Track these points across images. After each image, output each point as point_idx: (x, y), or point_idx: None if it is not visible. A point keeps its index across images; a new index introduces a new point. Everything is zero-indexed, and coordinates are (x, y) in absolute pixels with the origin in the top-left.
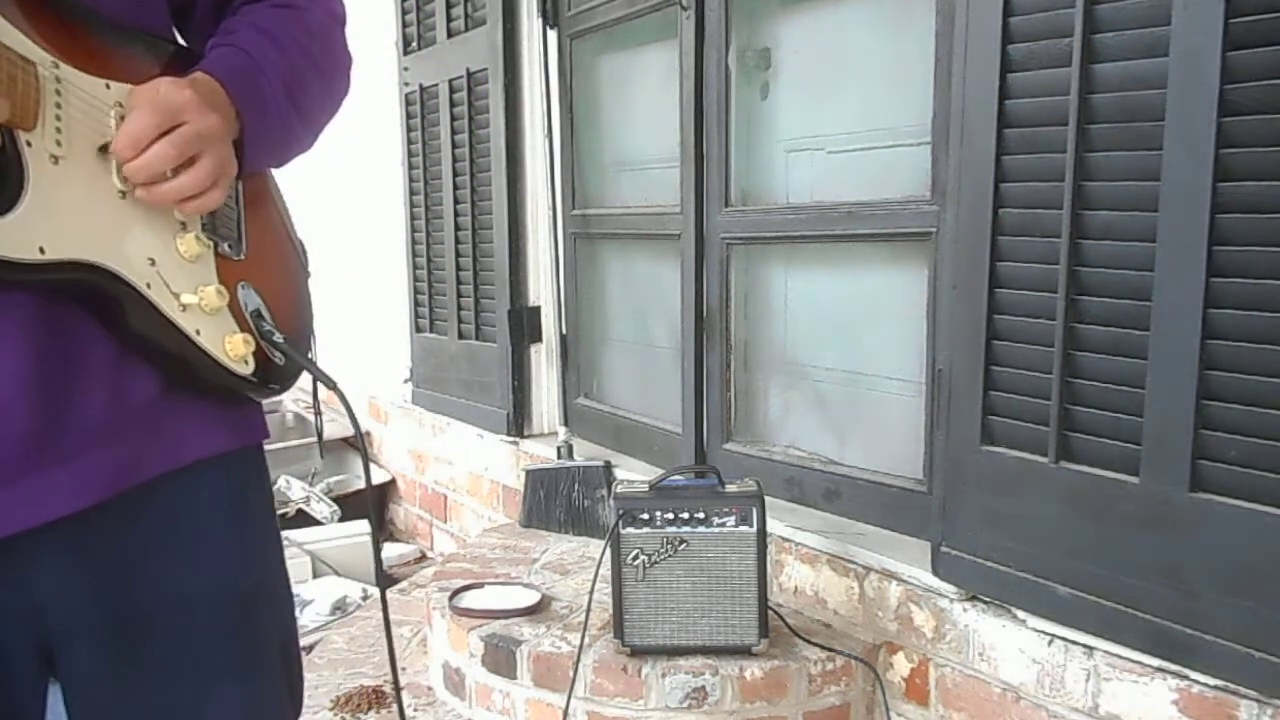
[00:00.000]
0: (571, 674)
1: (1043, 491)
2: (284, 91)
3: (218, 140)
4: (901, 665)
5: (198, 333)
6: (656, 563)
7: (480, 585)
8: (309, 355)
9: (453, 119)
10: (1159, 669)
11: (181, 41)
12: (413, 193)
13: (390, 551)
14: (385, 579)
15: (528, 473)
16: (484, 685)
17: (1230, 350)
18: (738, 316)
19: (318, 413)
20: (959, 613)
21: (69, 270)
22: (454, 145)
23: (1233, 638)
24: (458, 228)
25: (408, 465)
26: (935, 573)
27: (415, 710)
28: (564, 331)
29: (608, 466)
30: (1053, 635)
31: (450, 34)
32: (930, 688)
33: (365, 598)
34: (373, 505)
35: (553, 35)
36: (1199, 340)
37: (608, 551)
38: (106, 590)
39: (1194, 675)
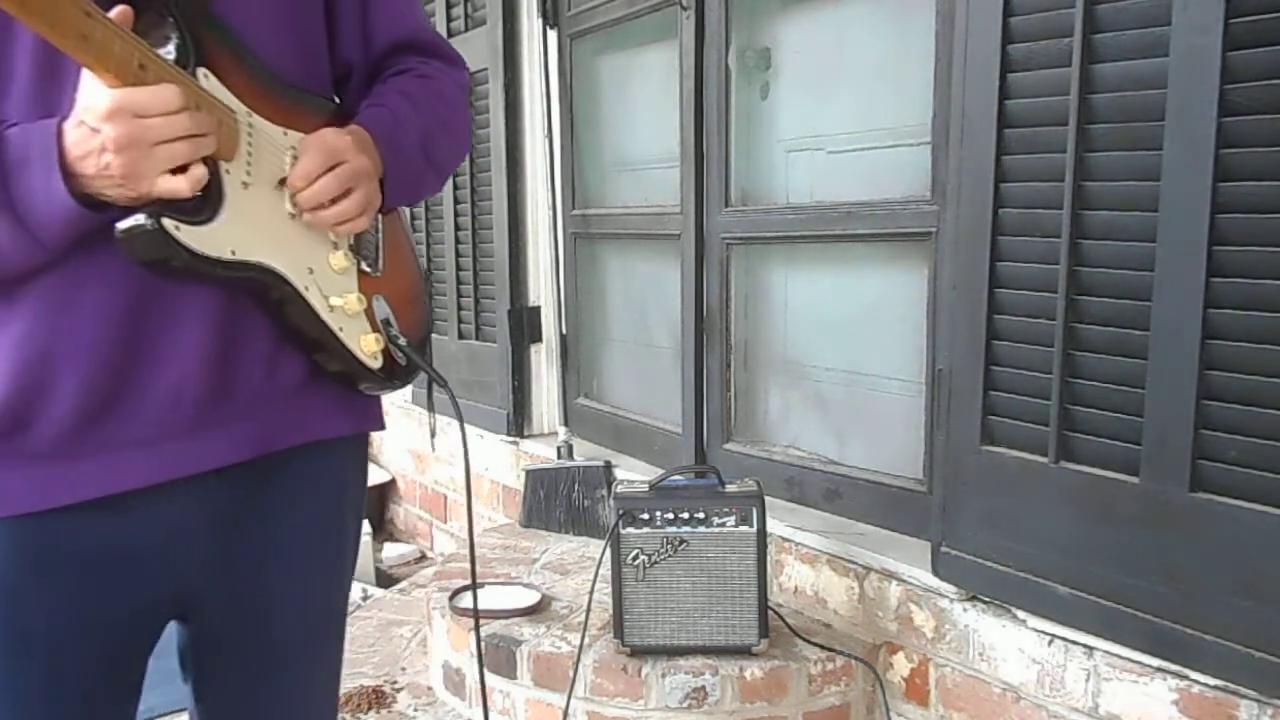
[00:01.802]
0: (571, 674)
1: (1043, 491)
2: (418, 143)
3: (368, 178)
4: (901, 665)
5: (340, 330)
6: (656, 563)
7: (480, 585)
8: (426, 359)
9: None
10: (1159, 669)
11: (338, 100)
12: None
13: (390, 552)
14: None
15: (528, 473)
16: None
17: (1230, 350)
18: (738, 316)
19: (432, 409)
20: (959, 613)
21: (250, 270)
22: None
23: (1233, 638)
24: (458, 228)
25: (408, 465)
26: (935, 573)
27: (415, 710)
28: (564, 331)
29: (608, 466)
30: (1053, 635)
31: (450, 34)
32: (930, 688)
33: (365, 598)
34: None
35: (553, 35)
36: (1199, 340)
37: (608, 551)
38: (234, 541)
39: (1194, 675)
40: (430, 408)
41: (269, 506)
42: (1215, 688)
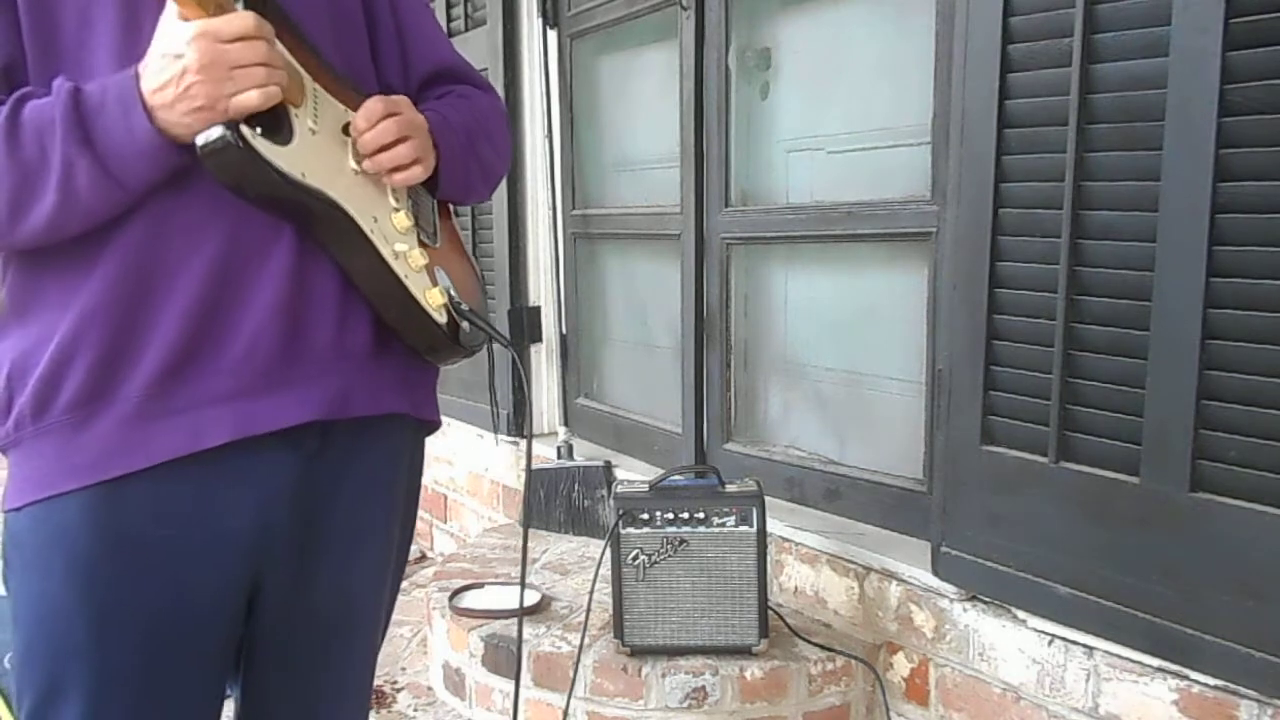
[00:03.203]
0: (571, 674)
1: (1043, 491)
2: (467, 140)
3: (423, 131)
4: (901, 665)
5: (405, 276)
6: (656, 563)
7: (480, 585)
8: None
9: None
10: (1159, 669)
11: None
12: None
13: None
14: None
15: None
16: (484, 685)
17: (1230, 350)
18: (738, 316)
19: (492, 388)
20: (959, 613)
21: (318, 199)
22: None
23: (1233, 638)
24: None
25: None
26: (935, 573)
27: (415, 710)
28: (564, 331)
29: (608, 466)
30: (1053, 635)
31: (450, 34)
32: (930, 688)
33: None
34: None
35: (553, 35)
36: (1199, 340)
37: (608, 551)
38: (304, 502)
39: (1194, 675)
40: (491, 386)
41: (333, 488)
42: (1215, 688)
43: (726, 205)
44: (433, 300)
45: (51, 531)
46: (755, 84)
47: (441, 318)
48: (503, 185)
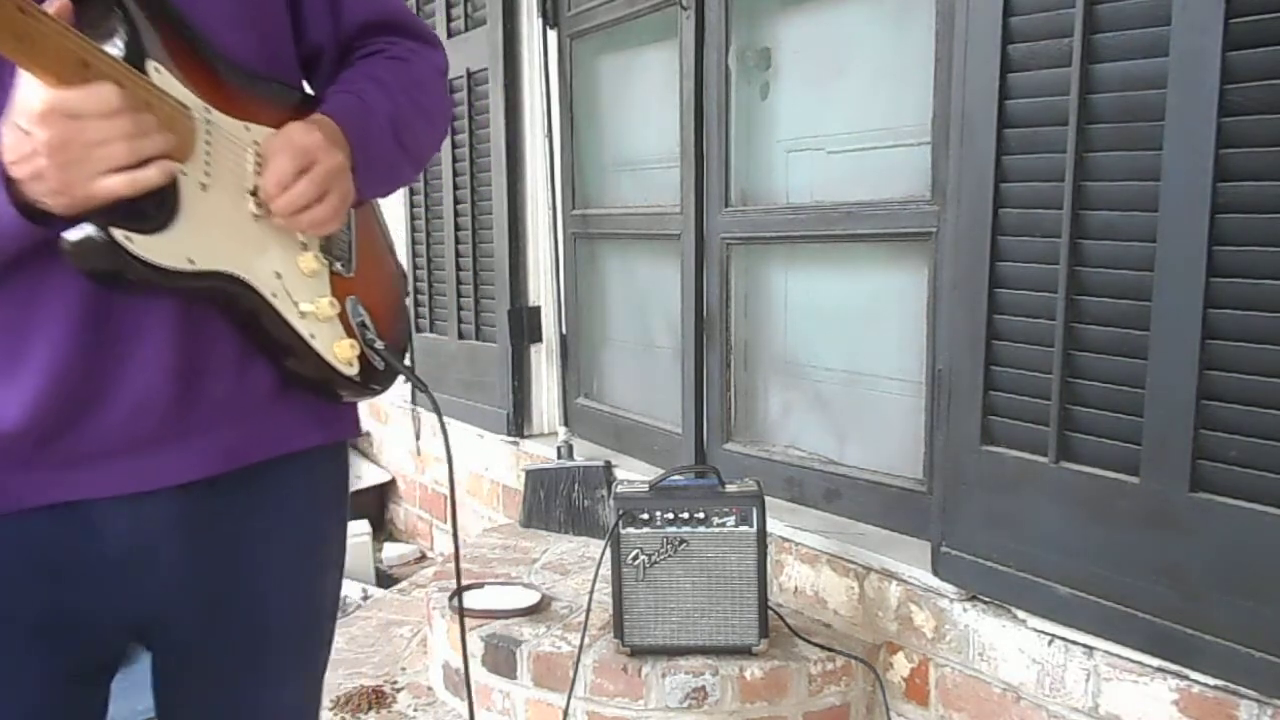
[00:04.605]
0: (571, 674)
1: (1043, 491)
2: (390, 130)
3: (342, 176)
4: (901, 665)
5: (312, 336)
6: (656, 563)
7: (480, 585)
8: (405, 361)
9: (453, 119)
10: (1159, 669)
11: (309, 88)
12: (413, 192)
13: (390, 552)
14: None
15: (528, 473)
16: (484, 685)
17: (1230, 350)
18: (738, 316)
19: (415, 412)
20: (959, 613)
21: (211, 279)
22: (454, 145)
23: (1233, 638)
24: (458, 228)
25: (408, 465)
26: (935, 573)
27: (415, 710)
28: (564, 331)
29: (608, 466)
30: (1053, 635)
31: (450, 34)
32: (930, 688)
33: (365, 598)
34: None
35: (553, 35)
36: (1199, 340)
37: (608, 551)
38: (204, 558)
39: (1194, 675)
40: (414, 410)
41: (243, 520)
42: (1215, 688)
43: (726, 205)
44: (341, 355)
45: None
46: (755, 84)
47: (351, 370)
48: (503, 185)
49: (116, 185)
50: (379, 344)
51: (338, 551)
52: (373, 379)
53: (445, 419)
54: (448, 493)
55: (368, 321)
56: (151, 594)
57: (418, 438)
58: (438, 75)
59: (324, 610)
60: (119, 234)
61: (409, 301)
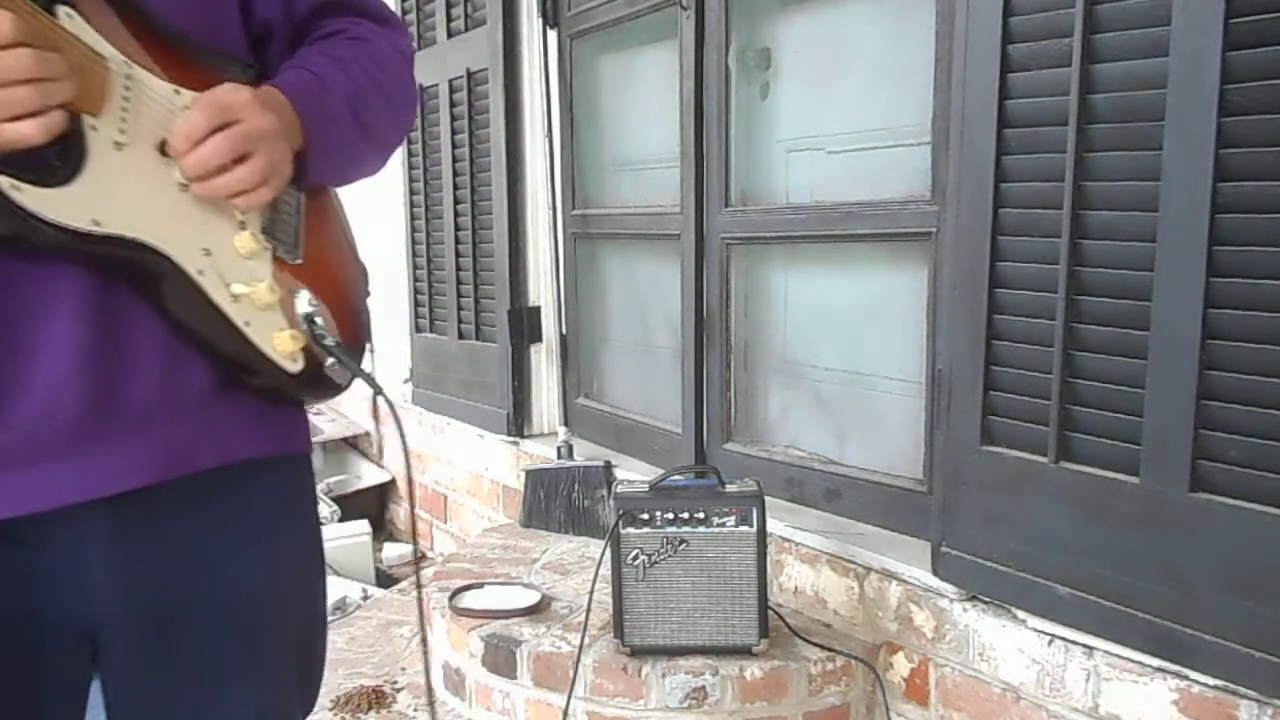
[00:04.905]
0: (571, 674)
1: (1043, 491)
2: (348, 109)
3: (271, 139)
4: (901, 665)
5: (247, 324)
6: (656, 563)
7: (480, 585)
8: (360, 364)
9: (453, 119)
10: (1159, 669)
11: (255, 64)
12: (413, 193)
13: (390, 551)
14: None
15: (528, 473)
16: (484, 685)
17: (1230, 350)
18: (738, 316)
19: (375, 417)
20: (959, 613)
21: (120, 246)
22: (454, 145)
23: (1233, 638)
24: (458, 228)
25: None
26: (935, 573)
27: (415, 710)
28: (564, 331)
29: (608, 466)
30: (1053, 635)
31: (450, 34)
32: (930, 688)
33: (365, 598)
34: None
35: (553, 35)
36: (1199, 340)
37: (608, 551)
38: (147, 578)
39: (1194, 675)
40: (374, 416)
41: (188, 537)
42: (1215, 688)
43: (726, 205)
44: (281, 347)
45: None
46: (755, 84)
47: (293, 365)
48: (503, 185)
49: (25, 129)
50: (329, 340)
51: (306, 574)
52: (320, 380)
53: (447, 419)
54: (447, 493)
55: (318, 316)
56: (89, 612)
57: (381, 453)
58: (401, 58)
59: (283, 639)
60: (6, 182)
61: (409, 302)
